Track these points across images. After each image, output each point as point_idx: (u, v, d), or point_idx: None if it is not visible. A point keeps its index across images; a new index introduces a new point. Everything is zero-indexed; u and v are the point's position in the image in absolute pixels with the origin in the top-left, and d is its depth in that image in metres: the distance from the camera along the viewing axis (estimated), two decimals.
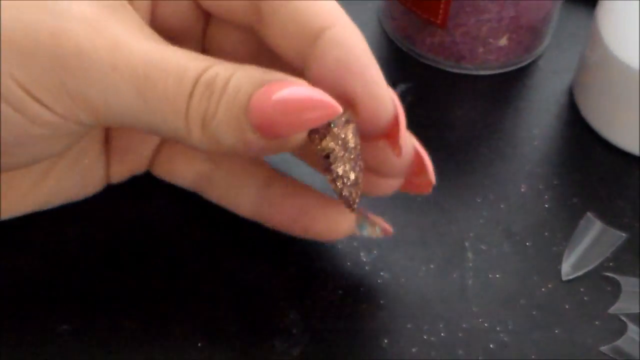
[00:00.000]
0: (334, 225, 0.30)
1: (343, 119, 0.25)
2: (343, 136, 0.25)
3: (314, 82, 0.25)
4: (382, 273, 0.32)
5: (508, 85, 0.39)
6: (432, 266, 0.32)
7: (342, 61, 0.25)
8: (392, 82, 0.38)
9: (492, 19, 0.36)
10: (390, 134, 0.27)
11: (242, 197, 0.31)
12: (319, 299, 0.31)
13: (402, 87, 0.38)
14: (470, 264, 0.32)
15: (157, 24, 0.28)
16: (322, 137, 0.25)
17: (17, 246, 0.31)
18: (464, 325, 0.30)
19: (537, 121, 0.38)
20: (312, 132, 0.25)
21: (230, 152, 0.25)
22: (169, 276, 0.31)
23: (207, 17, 0.29)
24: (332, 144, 0.25)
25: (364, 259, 0.32)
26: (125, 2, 0.26)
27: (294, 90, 0.24)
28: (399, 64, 0.40)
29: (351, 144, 0.25)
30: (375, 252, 0.32)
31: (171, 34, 0.28)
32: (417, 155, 0.29)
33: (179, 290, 0.31)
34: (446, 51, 0.39)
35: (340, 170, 0.25)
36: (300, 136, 0.25)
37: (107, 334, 0.29)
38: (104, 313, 0.30)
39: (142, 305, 0.30)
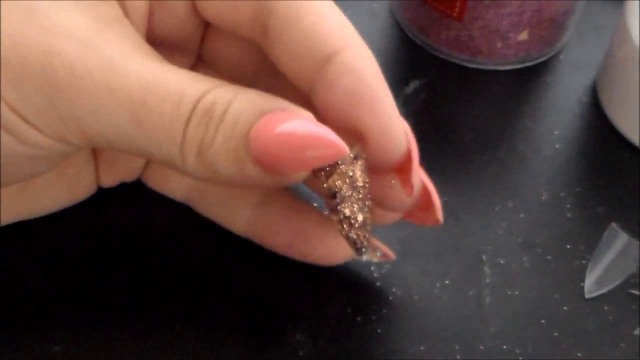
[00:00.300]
0: (333, 249, 0.28)
1: (351, 154, 0.23)
2: (351, 174, 0.23)
3: (321, 110, 0.24)
4: (394, 289, 0.30)
5: (527, 82, 0.37)
6: (447, 282, 0.30)
7: (352, 90, 0.23)
8: (405, 78, 0.36)
9: (512, 13, 0.34)
10: (401, 170, 0.25)
11: (236, 215, 0.29)
12: (327, 318, 0.29)
13: (416, 83, 0.36)
14: (488, 280, 0.30)
15: (152, 33, 0.26)
16: (329, 175, 0.23)
17: (7, 259, 0.30)
18: (481, 347, 0.29)
19: (558, 121, 0.36)
20: (318, 168, 0.23)
21: (227, 183, 0.23)
22: (165, 293, 0.29)
23: (206, 25, 0.27)
24: (339, 183, 0.23)
25: (375, 274, 0.30)
26: (121, 14, 0.24)
27: (297, 124, 0.22)
28: (411, 58, 0.38)
29: (359, 183, 0.23)
30: (386, 266, 0.30)
31: (167, 43, 0.27)
32: (425, 190, 0.27)
33: (175, 309, 0.29)
34: (462, 45, 0.36)
35: (347, 211, 0.23)
36: (305, 172, 0.23)
37: (99, 354, 0.28)
38: (95, 332, 0.28)
39: (138, 325, 0.28)
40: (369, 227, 0.24)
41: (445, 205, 0.32)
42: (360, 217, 0.23)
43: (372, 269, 0.30)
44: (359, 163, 0.23)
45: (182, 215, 0.31)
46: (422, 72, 0.37)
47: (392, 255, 0.29)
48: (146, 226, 0.31)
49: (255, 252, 0.30)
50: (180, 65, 0.25)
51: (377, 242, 0.29)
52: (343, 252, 0.28)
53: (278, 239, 0.29)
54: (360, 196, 0.23)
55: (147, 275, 0.30)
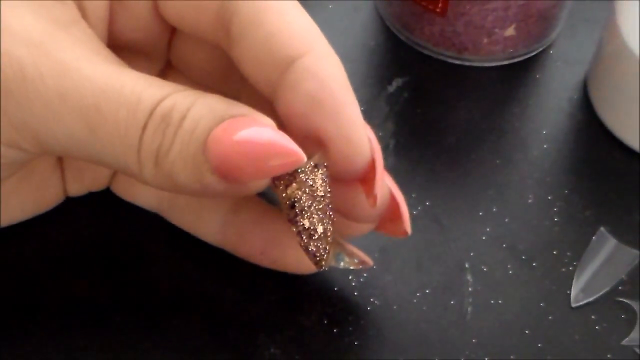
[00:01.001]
0: (306, 258, 0.27)
1: (312, 163, 0.22)
2: (311, 183, 0.22)
3: (283, 117, 0.23)
4: (372, 299, 0.29)
5: (515, 79, 0.36)
6: (427, 291, 0.29)
7: (313, 96, 0.22)
8: (388, 76, 0.35)
9: (497, 8, 0.33)
10: (364, 180, 0.24)
11: (207, 223, 0.28)
12: (302, 330, 0.28)
13: (399, 81, 0.35)
14: (470, 289, 0.29)
15: (115, 37, 0.25)
16: (288, 184, 0.22)
17: None
18: (462, 359, 0.28)
19: (547, 120, 0.34)
20: (277, 177, 0.22)
21: (186, 192, 0.22)
22: (134, 305, 0.28)
23: (172, 29, 0.27)
24: (298, 192, 0.22)
25: (353, 283, 0.29)
26: (78, 16, 0.23)
27: (256, 132, 0.21)
28: (395, 54, 0.36)
29: (320, 192, 0.22)
30: (364, 275, 0.29)
31: (132, 47, 0.26)
32: (393, 200, 0.26)
33: (144, 321, 0.28)
34: (447, 41, 0.35)
35: (306, 223, 0.22)
36: (264, 182, 0.22)
37: None
38: (61, 347, 0.27)
39: (106, 338, 0.28)
40: (329, 239, 0.23)
41: (427, 210, 0.31)
42: (320, 229, 0.23)
43: (350, 278, 0.29)
44: (320, 172, 0.22)
45: (152, 225, 0.30)
46: (406, 69, 0.36)
47: (369, 261, 0.28)
48: (114, 237, 0.30)
49: (227, 261, 0.29)
50: (148, 71, 0.24)
51: (354, 249, 0.28)
52: None
53: (250, 247, 0.28)
54: (321, 207, 0.22)
55: (115, 287, 0.29)
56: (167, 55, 0.28)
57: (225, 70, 0.27)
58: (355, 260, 0.28)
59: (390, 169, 0.26)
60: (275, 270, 0.28)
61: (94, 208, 0.30)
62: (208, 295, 0.29)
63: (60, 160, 0.28)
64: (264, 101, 0.24)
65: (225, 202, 0.28)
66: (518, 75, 0.36)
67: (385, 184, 0.25)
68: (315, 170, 0.22)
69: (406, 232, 0.26)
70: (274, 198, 0.29)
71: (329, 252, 0.23)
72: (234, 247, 0.28)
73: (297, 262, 0.27)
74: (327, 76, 0.22)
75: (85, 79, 0.21)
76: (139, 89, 0.21)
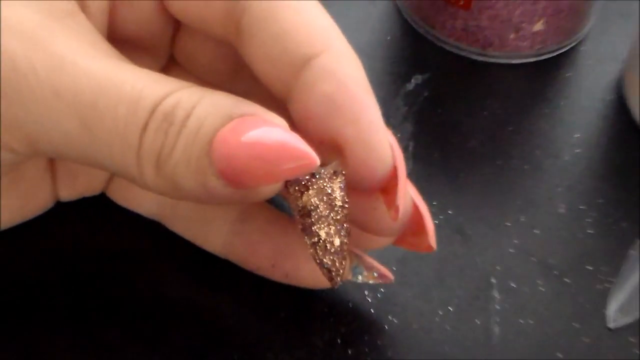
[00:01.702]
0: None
1: (330, 169, 0.21)
2: (329, 191, 0.21)
3: (298, 119, 0.22)
4: (390, 317, 0.27)
5: (544, 77, 0.35)
6: (450, 309, 0.27)
7: (331, 97, 0.21)
8: (406, 73, 0.34)
9: (526, 1, 0.32)
10: (385, 190, 0.23)
11: (211, 232, 0.27)
12: (314, 351, 0.26)
13: (418, 79, 0.34)
14: (497, 307, 0.28)
15: (116, 30, 0.24)
16: (304, 190, 0.21)
17: None
18: None
19: (579, 123, 0.33)
20: (291, 182, 0.21)
21: (190, 198, 0.21)
22: (135, 322, 0.27)
23: (176, 23, 0.25)
24: (315, 200, 0.21)
25: (369, 299, 0.28)
26: (76, 8, 0.22)
27: (266, 132, 0.20)
28: (415, 50, 0.35)
29: (338, 202, 0.21)
30: (382, 290, 0.28)
31: (134, 42, 0.25)
32: (417, 211, 0.24)
33: (148, 340, 0.26)
34: (471, 36, 0.34)
35: (322, 234, 0.21)
36: (275, 187, 0.21)
37: None
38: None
39: (109, 353, 0.26)
40: (345, 254, 0.22)
41: (449, 220, 0.30)
42: (337, 241, 0.21)
43: (366, 293, 0.28)
44: (338, 180, 0.21)
45: (151, 235, 0.28)
46: (426, 66, 0.35)
47: (390, 276, 0.27)
48: (110, 246, 0.28)
49: (232, 274, 0.27)
50: (150, 67, 0.23)
51: (373, 262, 0.27)
52: None
53: (260, 259, 0.27)
54: (338, 217, 0.21)
55: (111, 301, 0.27)
56: (170, 50, 0.27)
57: (233, 68, 0.26)
58: (375, 274, 0.26)
59: (409, 174, 0.25)
60: (286, 286, 0.27)
61: (87, 214, 0.29)
62: (212, 311, 0.27)
63: (51, 163, 0.27)
64: (275, 102, 0.22)
65: (233, 209, 0.27)
66: (547, 73, 0.35)
67: (409, 194, 0.23)
68: (334, 177, 0.21)
69: (431, 247, 0.25)
70: (285, 205, 0.28)
71: (344, 267, 0.22)
72: (242, 259, 0.27)
73: (312, 276, 0.26)
74: (345, 76, 0.21)
75: (81, 73, 0.20)
76: (140, 85, 0.20)
